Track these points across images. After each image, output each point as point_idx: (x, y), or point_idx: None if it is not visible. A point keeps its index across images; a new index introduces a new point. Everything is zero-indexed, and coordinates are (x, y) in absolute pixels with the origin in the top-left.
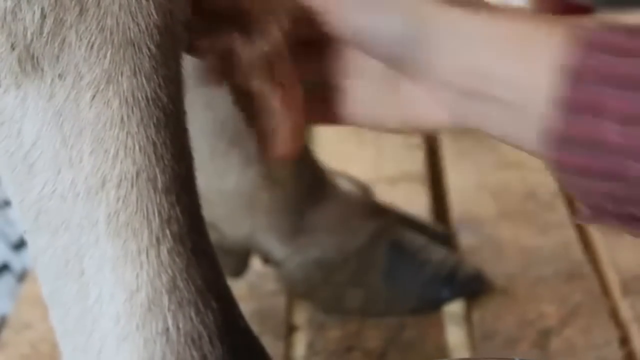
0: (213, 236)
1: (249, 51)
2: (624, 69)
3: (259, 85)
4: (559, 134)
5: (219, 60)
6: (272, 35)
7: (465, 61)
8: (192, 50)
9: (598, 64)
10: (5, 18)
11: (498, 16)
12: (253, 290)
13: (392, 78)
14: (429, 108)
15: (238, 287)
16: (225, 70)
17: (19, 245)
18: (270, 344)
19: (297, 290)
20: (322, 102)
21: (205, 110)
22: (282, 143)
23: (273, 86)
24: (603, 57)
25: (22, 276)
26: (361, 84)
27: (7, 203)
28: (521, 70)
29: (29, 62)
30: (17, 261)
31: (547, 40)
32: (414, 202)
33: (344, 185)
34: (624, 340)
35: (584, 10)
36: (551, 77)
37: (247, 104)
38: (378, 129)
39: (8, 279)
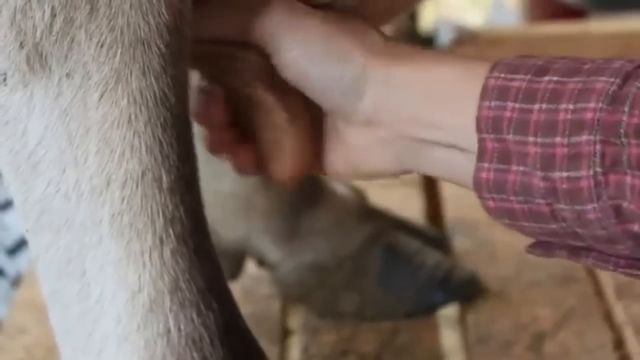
0: None
1: (250, 57)
2: (537, 115)
3: (260, 93)
4: (488, 181)
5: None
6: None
7: (402, 110)
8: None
9: (512, 113)
10: (15, 16)
11: (428, 65)
12: (247, 294)
13: (337, 128)
14: (377, 156)
15: (232, 291)
16: (225, 75)
17: (13, 250)
18: (265, 348)
19: (291, 293)
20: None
21: None
22: (286, 160)
23: (276, 96)
24: (519, 106)
25: (16, 281)
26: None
27: (2, 207)
28: (451, 117)
29: (37, 60)
30: (11, 266)
31: (471, 87)
32: (408, 205)
33: (339, 189)
34: (618, 343)
35: (577, 13)
36: (474, 126)
37: (251, 117)
38: (334, 177)
39: (2, 284)
